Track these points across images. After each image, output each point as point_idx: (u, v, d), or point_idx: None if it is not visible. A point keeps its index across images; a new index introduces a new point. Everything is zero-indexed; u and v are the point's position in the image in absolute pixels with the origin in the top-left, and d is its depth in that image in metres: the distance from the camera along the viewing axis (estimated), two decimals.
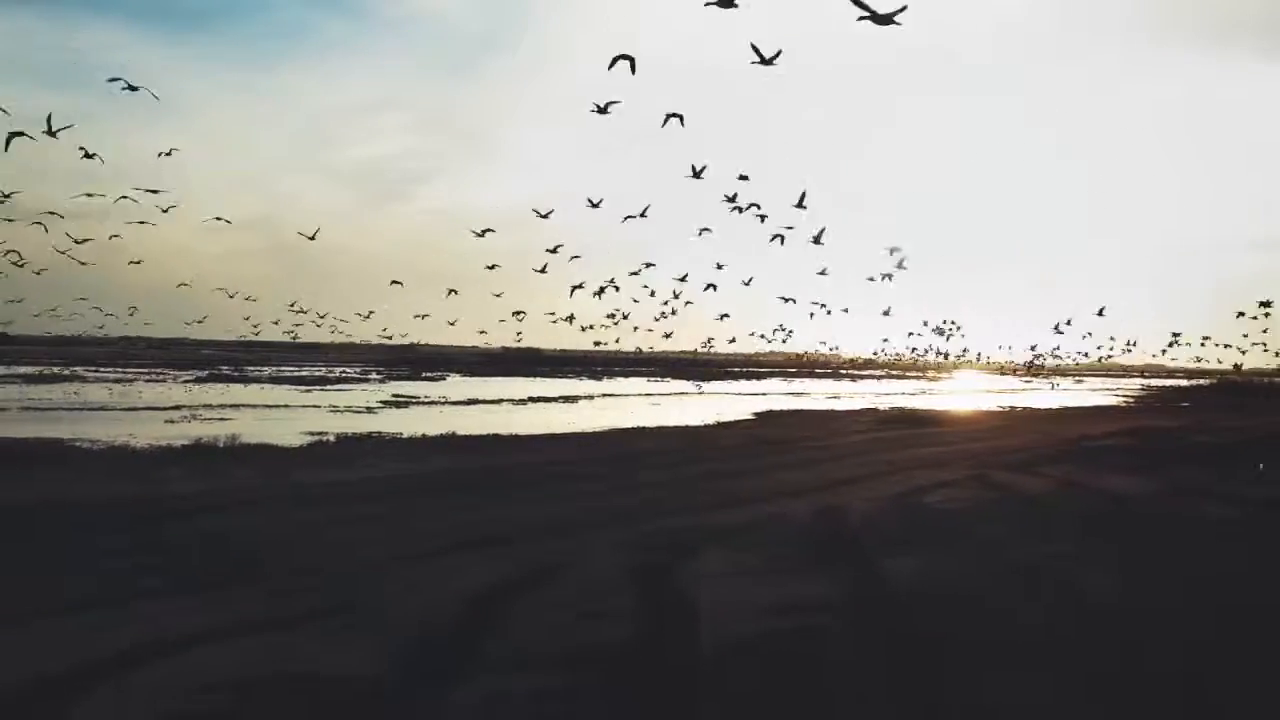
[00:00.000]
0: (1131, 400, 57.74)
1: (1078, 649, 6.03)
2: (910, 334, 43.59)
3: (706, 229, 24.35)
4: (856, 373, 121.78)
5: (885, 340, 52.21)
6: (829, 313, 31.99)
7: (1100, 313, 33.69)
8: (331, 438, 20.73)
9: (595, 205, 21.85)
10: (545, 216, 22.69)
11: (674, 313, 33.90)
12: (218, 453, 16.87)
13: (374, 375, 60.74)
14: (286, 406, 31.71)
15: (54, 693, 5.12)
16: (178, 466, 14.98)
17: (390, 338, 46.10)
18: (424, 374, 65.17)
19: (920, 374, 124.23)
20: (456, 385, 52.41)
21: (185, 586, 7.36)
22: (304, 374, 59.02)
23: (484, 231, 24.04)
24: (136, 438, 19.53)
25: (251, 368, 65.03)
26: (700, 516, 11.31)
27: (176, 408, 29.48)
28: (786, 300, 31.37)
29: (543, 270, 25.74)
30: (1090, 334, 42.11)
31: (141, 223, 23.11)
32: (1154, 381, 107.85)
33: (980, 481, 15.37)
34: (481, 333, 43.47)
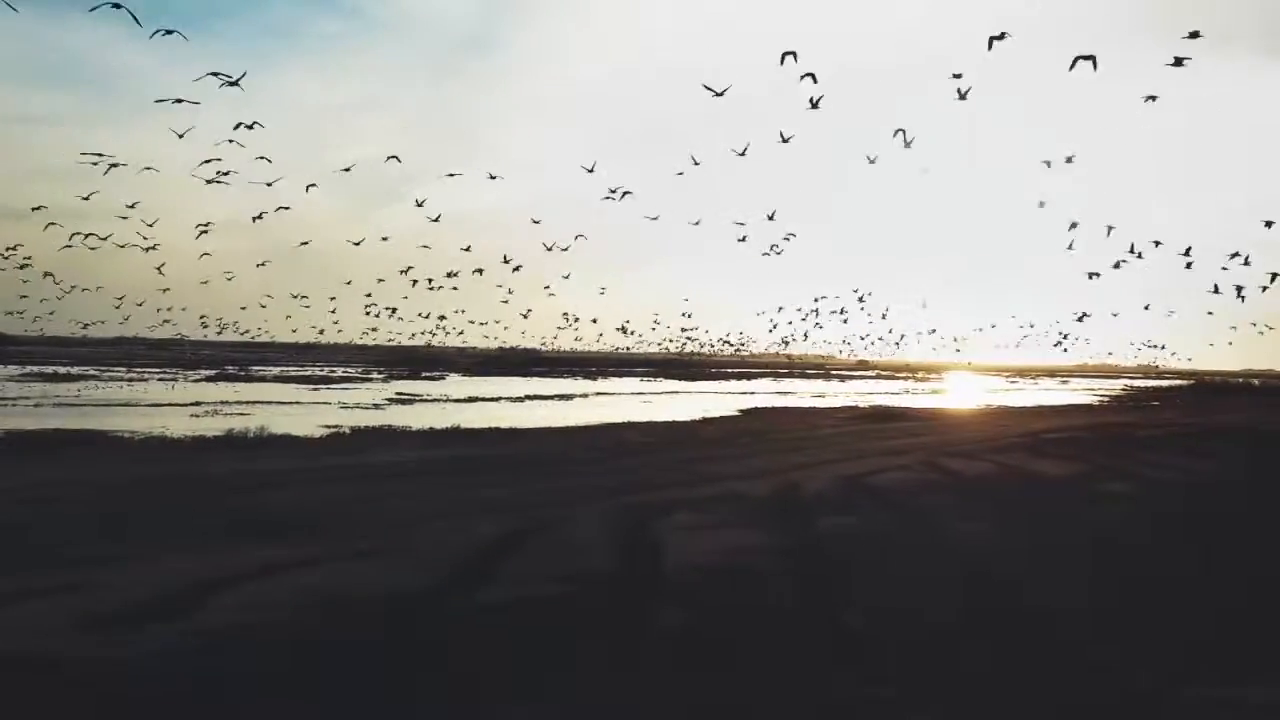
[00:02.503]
0: (1106, 399, 59.90)
1: (938, 564, 8.14)
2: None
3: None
4: (847, 373, 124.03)
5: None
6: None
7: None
8: (348, 430, 22.73)
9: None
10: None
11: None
12: (251, 442, 18.87)
13: (375, 375, 62.72)
14: (298, 403, 33.69)
15: (185, 599, 7.08)
16: (218, 452, 16.98)
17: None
18: (424, 373, 67.17)
19: (911, 374, 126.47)
20: (456, 384, 54.44)
21: (268, 537, 9.34)
22: (307, 373, 60.97)
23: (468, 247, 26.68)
24: (172, 429, 21.52)
25: (255, 367, 66.93)
26: (675, 491, 13.30)
27: (197, 404, 31.46)
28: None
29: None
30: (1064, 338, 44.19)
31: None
32: (1137, 382, 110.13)
33: (927, 466, 17.41)
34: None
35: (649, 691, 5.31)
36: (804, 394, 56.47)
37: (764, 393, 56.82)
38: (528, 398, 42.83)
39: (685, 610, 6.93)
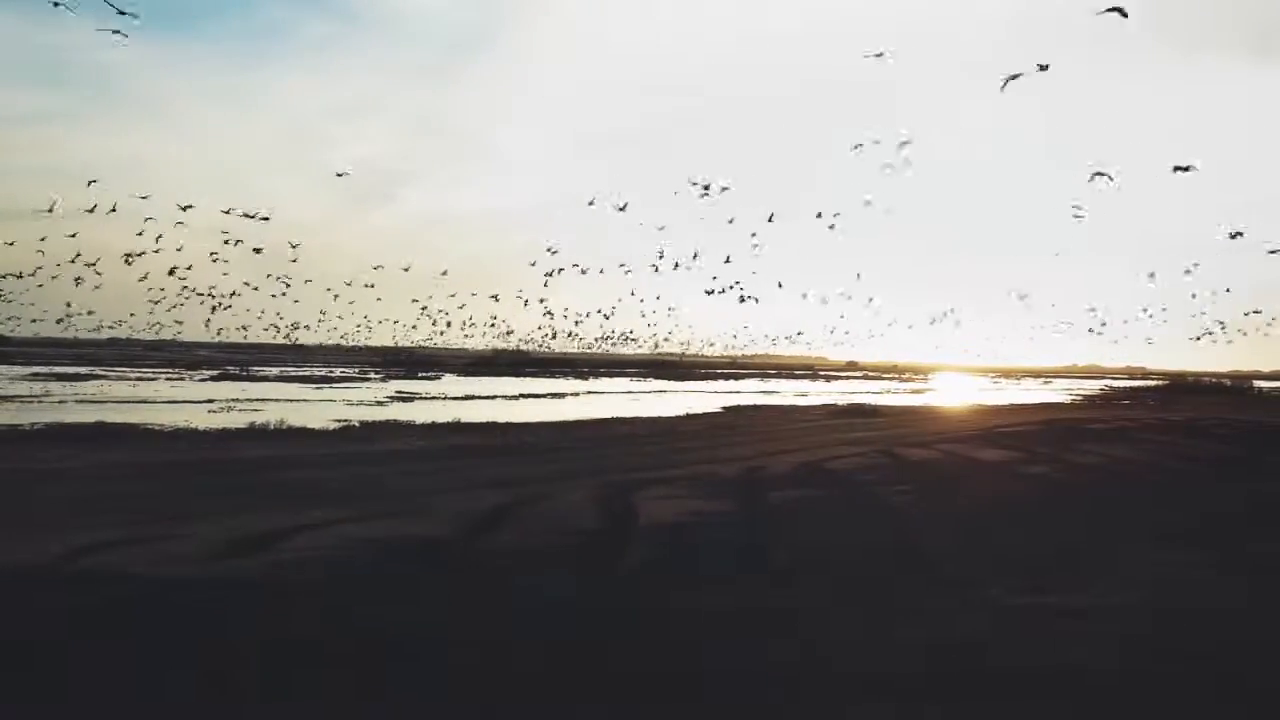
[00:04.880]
0: (1079, 399, 62.12)
1: (857, 520, 10.20)
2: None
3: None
4: (835, 374, 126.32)
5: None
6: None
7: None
8: (357, 423, 24.71)
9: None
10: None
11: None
12: (273, 432, 20.86)
13: (373, 375, 64.58)
14: (305, 401, 35.60)
15: (264, 541, 9.06)
16: (248, 441, 18.96)
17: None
18: (420, 374, 69.06)
19: (898, 375, 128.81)
20: (453, 384, 56.40)
21: (313, 503, 11.34)
22: (307, 373, 62.78)
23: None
24: (199, 423, 23.46)
25: (255, 368, 68.70)
26: (653, 472, 15.32)
27: (211, 400, 33.36)
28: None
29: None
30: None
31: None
32: (1118, 383, 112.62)
33: (882, 453, 19.46)
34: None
35: (616, 596, 7.35)
36: (788, 394, 58.59)
37: (749, 392, 58.91)
38: (521, 396, 44.81)
39: (650, 549, 8.98)
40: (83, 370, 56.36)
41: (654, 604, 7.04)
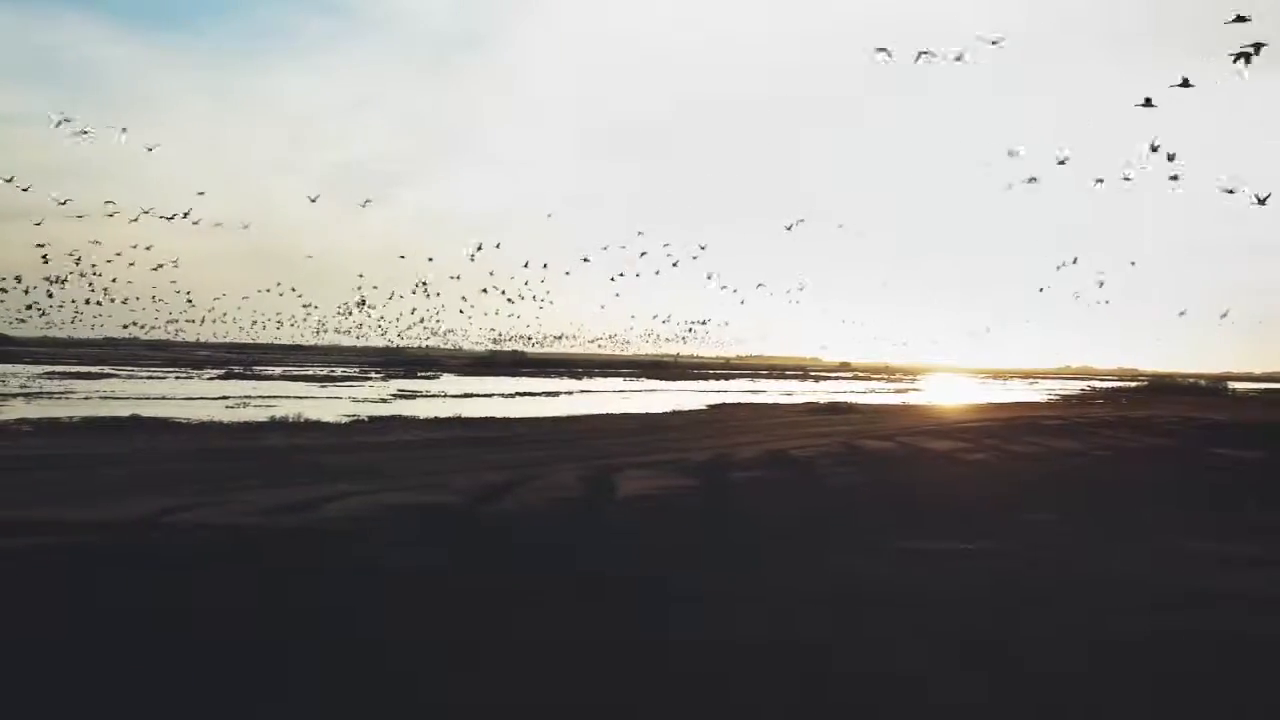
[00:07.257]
0: (1057, 398, 64.31)
1: (801, 494, 12.27)
2: None
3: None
4: (825, 374, 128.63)
5: None
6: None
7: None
8: (366, 418, 26.75)
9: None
10: None
11: None
12: (292, 425, 22.89)
13: (374, 374, 66.59)
14: (314, 398, 37.63)
15: (306, 505, 11.09)
16: (270, 432, 21.00)
17: None
18: (419, 373, 71.07)
19: (889, 375, 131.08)
20: (451, 382, 58.46)
21: (339, 479, 13.38)
22: (310, 373, 64.77)
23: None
24: (221, 416, 25.49)
25: (259, 367, 70.66)
26: (634, 457, 17.37)
27: (225, 397, 35.37)
28: None
29: None
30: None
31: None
32: (1102, 384, 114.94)
33: (843, 444, 21.54)
34: None
35: (594, 544, 9.41)
36: (774, 392, 60.72)
37: (737, 391, 61.03)
38: (518, 394, 46.86)
39: (623, 511, 11.05)
40: (94, 369, 58.27)
41: (624, 543, 9.11)
